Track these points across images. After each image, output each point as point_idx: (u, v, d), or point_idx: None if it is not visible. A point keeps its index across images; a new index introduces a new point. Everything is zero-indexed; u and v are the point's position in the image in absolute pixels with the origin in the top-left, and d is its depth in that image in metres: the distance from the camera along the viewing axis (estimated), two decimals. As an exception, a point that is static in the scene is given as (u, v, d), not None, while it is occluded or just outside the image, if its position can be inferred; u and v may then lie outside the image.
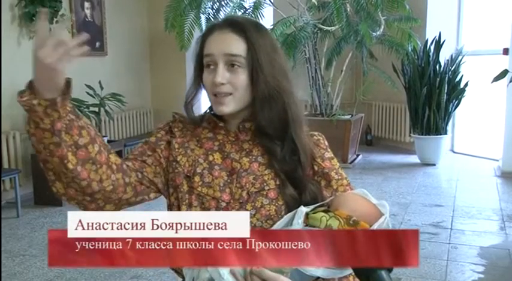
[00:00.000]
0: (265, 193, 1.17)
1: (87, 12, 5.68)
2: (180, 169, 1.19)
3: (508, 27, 5.72)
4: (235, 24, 1.18)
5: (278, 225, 1.09)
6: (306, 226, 1.06)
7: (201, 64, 1.20)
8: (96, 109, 5.19)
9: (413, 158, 6.51)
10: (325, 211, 1.08)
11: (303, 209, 1.08)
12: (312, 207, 1.11)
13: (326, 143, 1.29)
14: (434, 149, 6.25)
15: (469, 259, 3.43)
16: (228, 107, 1.17)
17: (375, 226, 1.05)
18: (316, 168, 1.23)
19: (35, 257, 3.49)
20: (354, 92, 7.20)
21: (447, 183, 5.59)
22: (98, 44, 5.86)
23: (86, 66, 5.70)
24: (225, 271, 1.03)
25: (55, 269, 3.29)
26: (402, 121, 7.08)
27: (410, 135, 6.68)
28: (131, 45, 6.46)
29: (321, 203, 1.14)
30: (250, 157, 1.20)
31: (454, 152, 6.94)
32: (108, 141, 5.41)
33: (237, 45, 1.16)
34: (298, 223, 1.06)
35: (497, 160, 6.03)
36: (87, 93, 5.17)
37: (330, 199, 1.15)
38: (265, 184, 1.17)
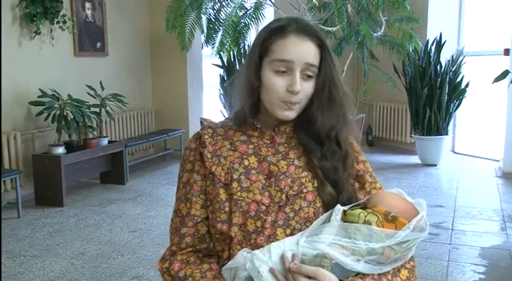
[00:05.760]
0: (303, 195, 1.16)
1: (88, 12, 5.68)
2: (216, 180, 1.17)
3: (509, 28, 5.72)
4: (312, 33, 1.14)
5: (315, 224, 1.09)
6: (344, 222, 1.07)
7: (258, 64, 1.15)
8: (97, 110, 5.19)
9: (414, 159, 6.51)
10: (363, 208, 1.10)
11: (340, 207, 1.09)
12: (348, 206, 1.11)
13: (358, 146, 1.30)
14: (435, 150, 6.25)
15: (470, 260, 3.43)
16: (294, 113, 1.16)
17: (413, 222, 1.07)
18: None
19: (36, 258, 3.49)
20: (355, 93, 7.18)
21: (448, 183, 5.59)
22: (98, 44, 5.86)
23: (87, 67, 5.71)
24: (264, 269, 1.04)
25: (56, 269, 3.29)
26: (403, 122, 7.08)
27: (411, 136, 6.68)
28: (132, 46, 6.46)
29: (357, 203, 1.14)
30: (288, 160, 1.19)
31: (455, 153, 6.94)
32: (109, 142, 5.41)
33: (315, 55, 1.14)
34: (335, 220, 1.07)
35: (498, 161, 6.04)
36: (88, 93, 5.17)
37: (366, 198, 1.16)
38: (303, 187, 1.16)
